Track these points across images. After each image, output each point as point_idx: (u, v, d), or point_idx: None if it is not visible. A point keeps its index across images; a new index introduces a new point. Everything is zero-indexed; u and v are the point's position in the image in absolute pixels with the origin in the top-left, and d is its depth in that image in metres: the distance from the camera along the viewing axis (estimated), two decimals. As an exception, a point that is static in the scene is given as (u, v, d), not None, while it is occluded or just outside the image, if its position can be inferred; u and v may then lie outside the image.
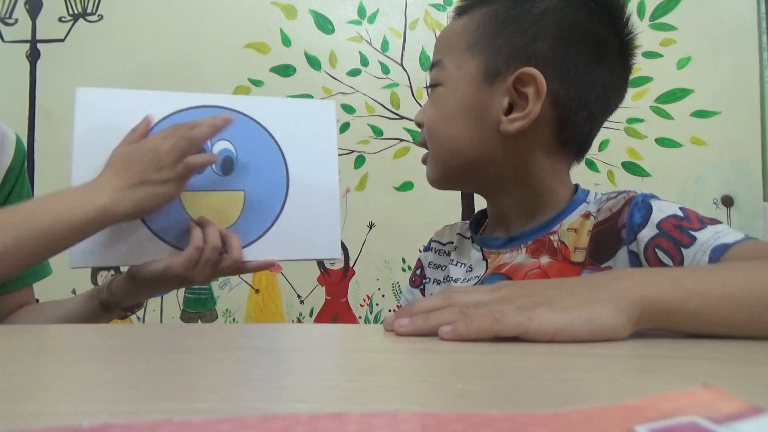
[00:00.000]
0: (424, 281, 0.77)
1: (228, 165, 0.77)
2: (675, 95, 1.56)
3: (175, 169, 0.68)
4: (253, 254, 0.76)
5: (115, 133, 0.73)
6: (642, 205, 0.56)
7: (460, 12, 0.65)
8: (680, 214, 0.54)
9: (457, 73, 0.62)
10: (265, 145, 0.79)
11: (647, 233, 0.54)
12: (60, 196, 0.66)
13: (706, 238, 0.51)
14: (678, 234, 0.52)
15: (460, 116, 0.62)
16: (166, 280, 0.73)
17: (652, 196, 0.58)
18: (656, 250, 0.53)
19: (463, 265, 0.70)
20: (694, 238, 0.51)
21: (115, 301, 0.78)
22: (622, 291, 0.39)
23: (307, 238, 0.79)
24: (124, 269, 0.78)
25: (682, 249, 0.51)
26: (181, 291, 1.50)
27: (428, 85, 0.66)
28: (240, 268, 0.76)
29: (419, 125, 0.68)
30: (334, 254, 0.81)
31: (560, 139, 0.62)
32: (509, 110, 0.60)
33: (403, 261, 1.52)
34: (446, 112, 0.63)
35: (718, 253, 0.49)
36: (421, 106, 0.68)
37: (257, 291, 1.51)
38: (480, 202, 1.53)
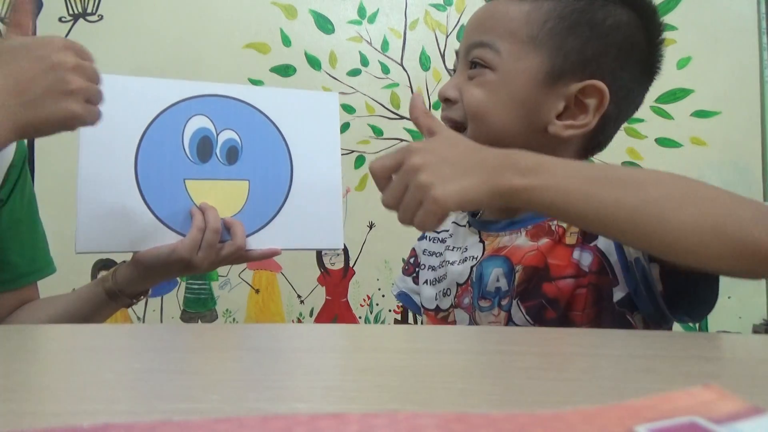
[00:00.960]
0: (417, 269, 0.78)
1: (233, 154, 0.78)
2: (675, 95, 1.56)
3: (75, 81, 0.59)
4: (257, 243, 0.77)
5: (120, 120, 0.74)
6: None
7: None
8: None
9: (515, 64, 0.61)
10: (270, 136, 0.80)
11: None
12: None
13: None
14: None
15: (512, 108, 0.61)
16: (171, 265, 0.74)
17: None
18: None
19: (458, 249, 0.70)
20: None
21: (120, 288, 0.78)
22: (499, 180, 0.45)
23: (310, 228, 0.79)
24: (127, 258, 0.79)
25: None
26: (182, 291, 1.50)
27: (472, 59, 0.63)
28: (244, 256, 0.76)
29: (448, 100, 0.64)
30: (337, 244, 0.81)
31: (590, 144, 0.65)
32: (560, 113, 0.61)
33: (403, 261, 1.51)
34: (497, 101, 0.61)
35: None
36: (444, 85, 0.66)
37: (257, 291, 1.51)
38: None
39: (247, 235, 0.76)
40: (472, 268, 0.66)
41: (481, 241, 0.67)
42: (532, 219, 0.63)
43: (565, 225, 0.61)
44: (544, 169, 0.45)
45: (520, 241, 0.63)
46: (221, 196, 0.77)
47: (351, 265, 1.52)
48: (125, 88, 0.76)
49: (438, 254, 0.75)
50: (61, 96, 0.58)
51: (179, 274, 0.79)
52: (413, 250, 0.81)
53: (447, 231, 0.76)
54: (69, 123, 0.60)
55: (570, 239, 0.60)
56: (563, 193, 0.44)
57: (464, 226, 0.73)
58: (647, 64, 0.63)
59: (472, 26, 0.65)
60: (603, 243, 0.58)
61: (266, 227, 0.78)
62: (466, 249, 0.69)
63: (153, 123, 0.76)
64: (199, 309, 1.50)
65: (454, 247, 0.72)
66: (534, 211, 0.58)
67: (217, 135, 0.78)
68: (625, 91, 0.61)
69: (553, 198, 0.44)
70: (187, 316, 1.49)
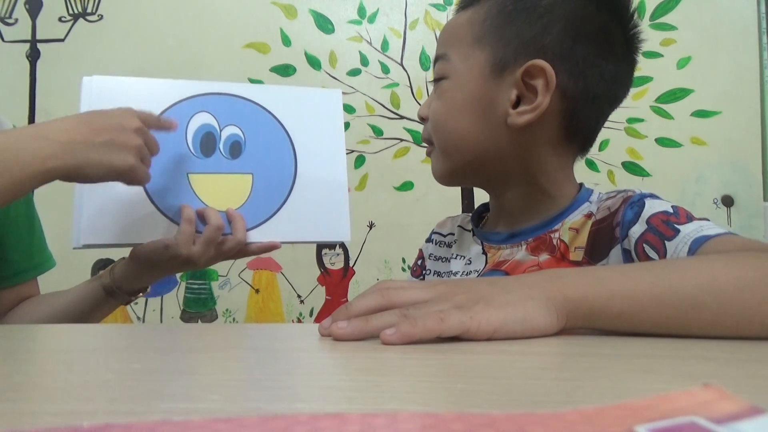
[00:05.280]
0: (423, 272, 0.77)
1: (236, 149, 0.79)
2: (675, 95, 1.56)
3: (136, 140, 0.65)
4: (261, 236, 0.77)
5: None
6: (637, 203, 0.56)
7: (465, 4, 0.65)
8: (670, 210, 0.54)
9: (463, 66, 0.62)
10: (273, 130, 0.80)
11: (637, 229, 0.54)
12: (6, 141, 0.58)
13: (689, 230, 0.51)
14: (664, 228, 0.53)
15: (467, 110, 0.61)
16: (168, 260, 0.73)
17: (650, 195, 0.58)
18: (644, 245, 0.53)
19: (462, 258, 0.70)
20: (678, 231, 0.51)
21: (118, 285, 0.78)
22: (551, 291, 0.39)
23: (315, 221, 0.79)
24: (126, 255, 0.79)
25: (666, 242, 0.51)
26: (182, 291, 1.50)
27: (433, 78, 0.65)
28: (244, 250, 0.76)
29: (423, 119, 0.67)
30: (344, 237, 0.81)
31: (567, 133, 0.62)
32: (517, 103, 0.59)
33: (403, 261, 1.52)
34: (452, 106, 0.62)
35: (698, 244, 0.49)
36: (420, 105, 0.68)
37: (257, 291, 1.51)
38: (480, 201, 1.53)
39: (252, 228, 0.77)
40: None
41: (484, 252, 0.67)
42: (532, 231, 0.63)
43: (567, 240, 0.60)
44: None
45: (520, 255, 0.62)
46: (225, 189, 0.77)
47: (351, 265, 1.52)
48: (130, 89, 0.77)
49: (444, 259, 0.74)
50: (120, 149, 0.63)
51: (178, 270, 0.79)
52: (420, 251, 0.80)
53: (452, 235, 0.75)
54: (123, 173, 0.65)
55: (575, 255, 0.59)
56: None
57: (469, 231, 0.72)
58: (607, 35, 0.61)
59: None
60: (613, 263, 0.56)
61: (271, 219, 0.78)
62: (470, 261, 0.68)
63: None
64: (199, 309, 1.50)
65: (458, 255, 0.71)
66: None
67: (221, 131, 0.78)
68: (584, 66, 0.59)
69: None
70: (187, 316, 1.49)
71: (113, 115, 0.64)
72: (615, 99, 0.64)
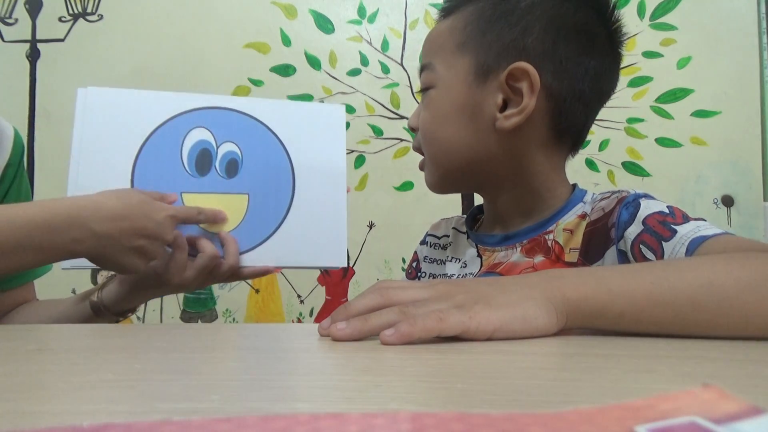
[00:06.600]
0: (419, 274, 0.77)
1: (233, 167, 0.76)
2: (675, 95, 1.56)
3: (159, 251, 0.68)
4: (256, 259, 0.74)
5: (116, 134, 0.73)
6: (632, 203, 0.56)
7: (446, 13, 0.65)
8: (666, 210, 0.54)
9: (448, 74, 0.62)
10: (272, 148, 0.78)
11: (634, 230, 0.54)
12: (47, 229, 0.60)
13: (686, 231, 0.51)
14: (660, 229, 0.52)
15: (455, 117, 0.61)
16: (159, 286, 0.72)
17: (645, 195, 0.58)
18: (641, 246, 0.53)
19: (457, 261, 0.70)
20: (675, 232, 0.51)
21: (106, 305, 0.76)
22: (551, 292, 0.39)
23: (311, 245, 0.76)
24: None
25: (663, 243, 0.51)
26: (181, 291, 1.50)
27: (420, 89, 0.66)
28: (236, 274, 0.74)
29: (413, 130, 0.67)
30: (340, 263, 0.78)
31: (556, 132, 0.61)
32: (504, 107, 0.59)
33: (403, 261, 1.52)
34: (440, 114, 0.62)
35: (696, 245, 0.49)
36: (410, 116, 0.68)
37: (257, 291, 1.51)
38: (480, 202, 1.53)
39: (246, 251, 0.74)
40: None
41: (479, 255, 0.67)
42: (527, 233, 0.63)
43: (562, 241, 0.60)
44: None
45: (515, 257, 0.62)
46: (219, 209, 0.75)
47: (351, 265, 1.52)
48: (125, 101, 0.75)
49: (439, 262, 0.74)
50: (142, 256, 0.66)
51: (167, 294, 0.78)
52: (415, 253, 0.80)
53: (447, 237, 0.75)
54: (127, 272, 0.69)
55: (570, 257, 0.59)
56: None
57: (464, 233, 0.72)
58: (588, 31, 0.60)
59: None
60: (608, 264, 0.56)
61: (265, 243, 0.75)
62: (465, 264, 0.68)
63: (151, 136, 0.74)
64: (199, 309, 1.50)
65: (453, 258, 0.71)
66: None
67: (217, 147, 0.76)
68: (567, 65, 0.59)
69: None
70: (187, 316, 1.49)
71: (156, 222, 0.65)
72: (601, 95, 0.64)
